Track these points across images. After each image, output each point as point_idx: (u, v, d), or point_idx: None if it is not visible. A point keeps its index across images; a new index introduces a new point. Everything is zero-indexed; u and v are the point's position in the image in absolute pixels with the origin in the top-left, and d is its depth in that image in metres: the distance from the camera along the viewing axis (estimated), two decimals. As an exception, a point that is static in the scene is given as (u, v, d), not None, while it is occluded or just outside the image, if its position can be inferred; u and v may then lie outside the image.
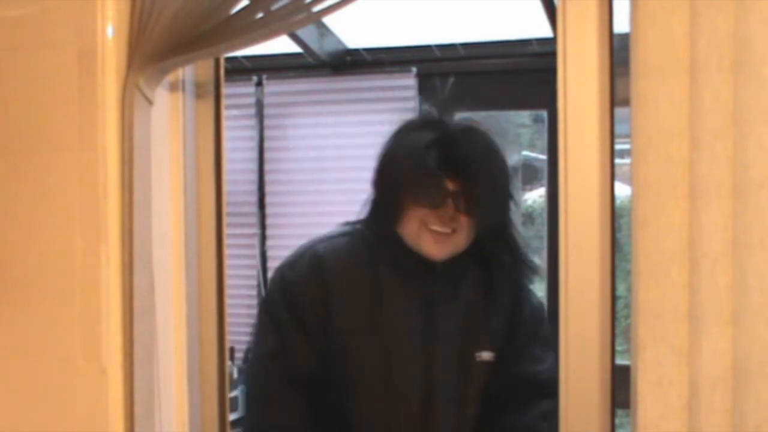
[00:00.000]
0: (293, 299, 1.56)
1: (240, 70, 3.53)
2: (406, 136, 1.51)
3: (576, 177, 1.25)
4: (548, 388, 1.58)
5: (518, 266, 1.61)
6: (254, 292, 3.64)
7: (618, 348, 1.25)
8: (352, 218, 1.62)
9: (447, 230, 1.47)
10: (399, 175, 1.48)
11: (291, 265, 1.60)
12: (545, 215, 3.60)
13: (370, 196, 1.57)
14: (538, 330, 1.65)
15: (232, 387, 3.17)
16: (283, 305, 1.56)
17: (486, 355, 1.55)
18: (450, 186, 1.46)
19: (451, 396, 1.53)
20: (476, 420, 1.55)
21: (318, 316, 1.53)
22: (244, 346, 3.62)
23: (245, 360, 3.36)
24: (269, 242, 3.68)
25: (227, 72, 1.52)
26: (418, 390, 1.51)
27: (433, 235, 1.48)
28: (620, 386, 1.24)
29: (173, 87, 1.39)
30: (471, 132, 1.52)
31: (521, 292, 1.64)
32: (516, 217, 1.59)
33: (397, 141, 1.52)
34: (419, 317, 1.53)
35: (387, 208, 1.51)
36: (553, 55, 1.28)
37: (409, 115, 1.58)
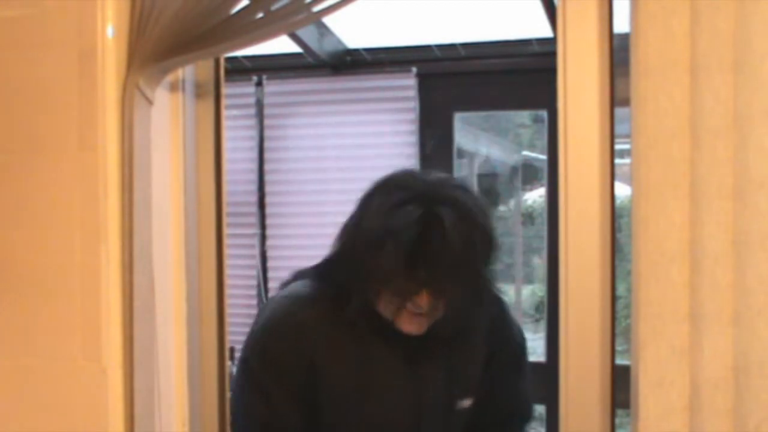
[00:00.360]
0: (279, 372, 1.52)
1: (240, 70, 3.53)
2: (384, 222, 1.41)
3: (576, 177, 1.25)
4: (524, 418, 1.69)
5: (493, 307, 1.59)
6: (254, 292, 3.64)
7: (618, 348, 1.26)
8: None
9: (419, 311, 1.44)
10: (374, 269, 1.42)
11: (272, 333, 1.54)
12: (545, 215, 3.60)
13: (333, 258, 1.52)
14: (520, 364, 1.66)
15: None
16: (270, 378, 1.52)
17: (467, 402, 1.55)
18: (425, 275, 1.39)
19: None
20: None
21: (306, 385, 1.51)
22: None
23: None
24: (269, 242, 3.68)
25: (227, 72, 1.52)
26: None
27: (407, 313, 1.45)
28: (620, 386, 1.24)
29: (173, 87, 1.39)
30: (453, 215, 1.39)
31: (500, 331, 1.61)
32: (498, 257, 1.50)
33: (375, 224, 1.43)
34: (404, 380, 1.53)
35: (358, 291, 1.47)
36: (553, 55, 1.28)
37: (390, 191, 1.46)
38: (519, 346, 1.66)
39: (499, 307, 1.63)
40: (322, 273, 1.54)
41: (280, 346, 1.51)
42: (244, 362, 1.54)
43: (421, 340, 1.50)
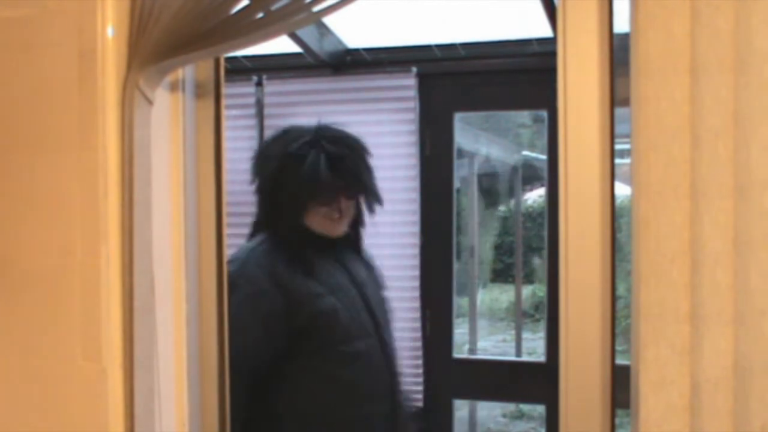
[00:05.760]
0: (256, 308, 1.95)
1: (240, 70, 3.53)
2: (293, 155, 2.00)
3: (576, 177, 1.25)
4: None
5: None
6: (254, 292, 3.63)
7: (618, 348, 1.26)
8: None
9: (338, 215, 2.01)
10: (301, 187, 1.97)
11: (247, 281, 1.98)
12: (545, 215, 3.60)
13: (260, 204, 2.15)
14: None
15: (232, 387, 3.16)
16: (249, 314, 1.94)
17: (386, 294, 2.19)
18: (337, 184, 1.97)
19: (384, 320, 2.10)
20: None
21: (281, 314, 1.95)
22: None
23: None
24: (269, 242, 3.67)
25: (227, 72, 1.52)
26: (371, 319, 2.02)
27: (330, 221, 2.01)
28: (620, 386, 1.24)
29: (173, 87, 1.39)
30: (340, 139, 2.03)
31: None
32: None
33: (284, 156, 2.02)
34: (346, 276, 2.03)
35: (292, 210, 2.02)
36: (553, 55, 1.28)
37: (277, 131, 2.12)
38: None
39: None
40: (259, 226, 2.14)
41: (256, 288, 1.95)
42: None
43: (346, 247, 2.09)
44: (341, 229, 2.05)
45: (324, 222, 2.02)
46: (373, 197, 2.07)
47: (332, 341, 1.96)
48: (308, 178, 1.95)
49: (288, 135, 2.06)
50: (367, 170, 2.05)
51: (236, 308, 1.82)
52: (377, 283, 2.15)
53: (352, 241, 2.13)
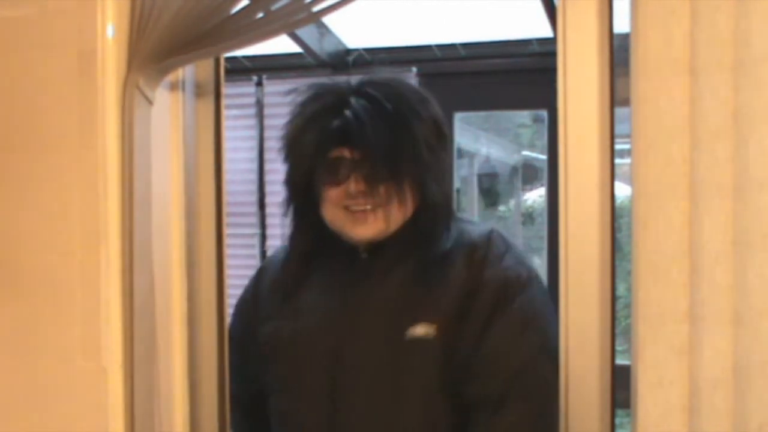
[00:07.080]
0: (239, 310, 1.68)
1: (240, 70, 3.54)
2: (298, 111, 1.41)
3: (576, 177, 1.25)
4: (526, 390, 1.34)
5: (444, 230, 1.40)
6: (254, 292, 3.64)
7: (618, 348, 1.25)
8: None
9: (362, 207, 1.34)
10: (294, 154, 1.39)
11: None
12: (545, 215, 3.60)
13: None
14: (507, 311, 1.36)
15: (232, 387, 3.17)
16: (235, 317, 1.67)
17: (420, 330, 1.33)
18: (351, 156, 1.31)
19: (370, 373, 1.37)
20: (429, 399, 1.36)
21: (252, 318, 1.61)
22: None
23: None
24: (269, 242, 3.68)
25: (227, 72, 1.52)
26: (325, 368, 1.40)
27: (351, 215, 1.35)
28: (620, 386, 1.24)
29: (173, 87, 1.39)
30: (370, 88, 1.33)
31: (486, 261, 1.40)
32: (449, 178, 1.46)
33: (289, 117, 1.43)
34: (332, 299, 1.42)
35: (296, 193, 1.41)
36: (553, 55, 1.28)
37: (308, 85, 1.43)
38: (507, 286, 1.35)
39: (484, 234, 1.41)
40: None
41: (244, 292, 1.67)
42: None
43: (375, 259, 1.38)
44: (370, 228, 1.33)
45: (340, 216, 1.34)
46: (410, 180, 1.32)
47: (270, 387, 1.52)
48: (297, 149, 1.35)
49: (315, 93, 1.41)
50: (405, 141, 1.31)
51: None
52: (403, 317, 1.35)
53: (418, 242, 1.36)
